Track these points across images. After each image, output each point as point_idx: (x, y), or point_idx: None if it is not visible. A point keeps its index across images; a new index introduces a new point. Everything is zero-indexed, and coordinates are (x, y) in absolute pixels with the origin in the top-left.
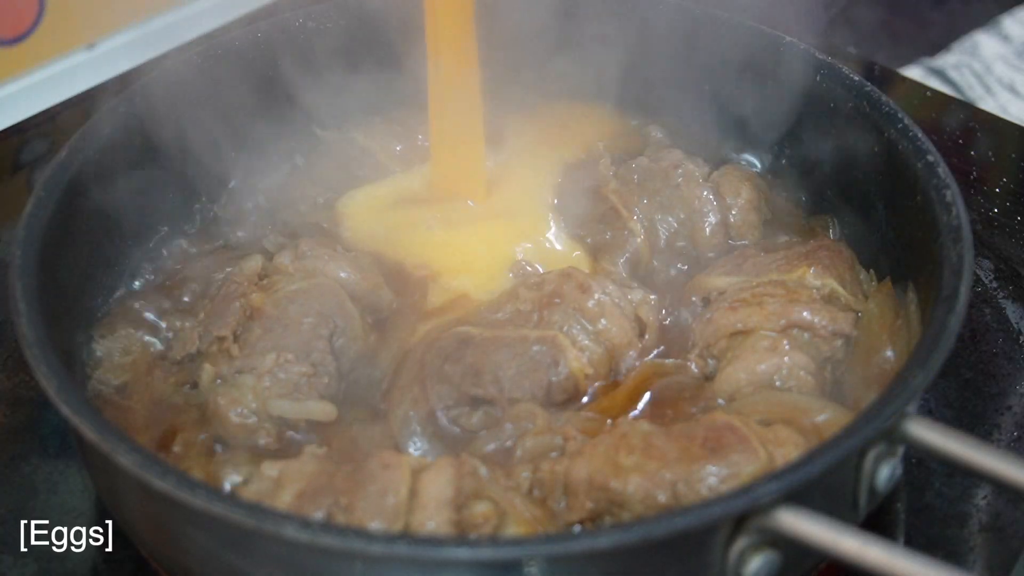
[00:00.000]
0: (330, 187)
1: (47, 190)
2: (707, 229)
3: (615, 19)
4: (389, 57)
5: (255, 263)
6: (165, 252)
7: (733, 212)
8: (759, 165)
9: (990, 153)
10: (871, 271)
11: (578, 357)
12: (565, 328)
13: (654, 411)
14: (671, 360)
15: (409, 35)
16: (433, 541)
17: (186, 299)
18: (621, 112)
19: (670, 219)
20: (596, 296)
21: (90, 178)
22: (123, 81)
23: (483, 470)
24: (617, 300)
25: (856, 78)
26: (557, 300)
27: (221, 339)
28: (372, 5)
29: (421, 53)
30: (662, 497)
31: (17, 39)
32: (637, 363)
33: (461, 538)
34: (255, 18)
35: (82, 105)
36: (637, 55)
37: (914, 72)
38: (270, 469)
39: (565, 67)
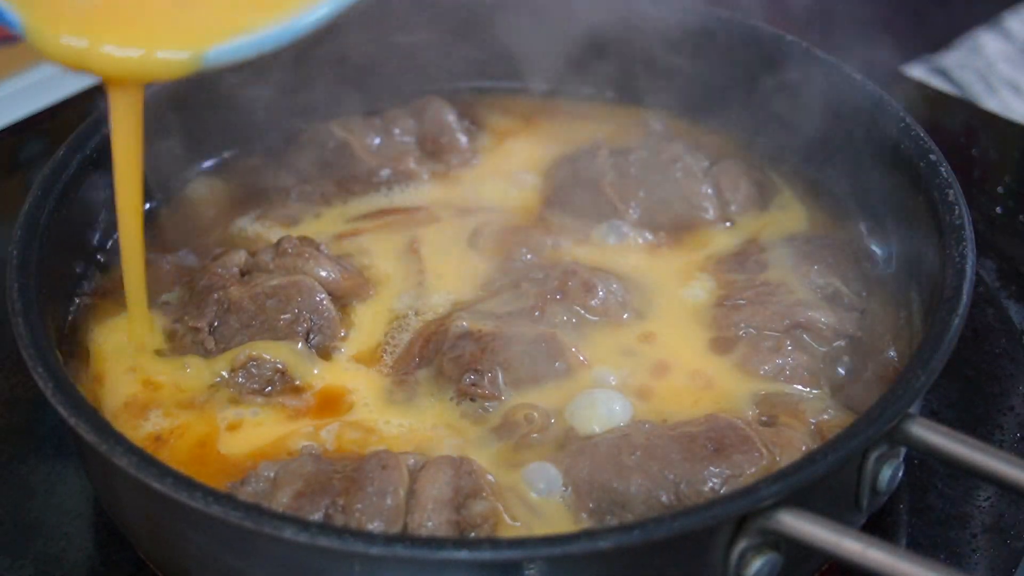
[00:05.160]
0: (304, 177)
1: (44, 189)
2: (706, 224)
3: (615, 12)
4: (374, 56)
5: (238, 257)
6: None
7: (732, 207)
8: (759, 162)
9: (993, 152)
10: (874, 270)
11: (577, 355)
12: (568, 325)
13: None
14: None
15: (393, 37)
16: (432, 542)
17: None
18: (621, 103)
19: (668, 213)
20: (600, 294)
21: (88, 177)
22: None
23: (482, 469)
24: (620, 299)
25: (858, 76)
26: (559, 296)
27: (196, 330)
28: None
29: (409, 52)
30: (664, 497)
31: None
32: None
33: (460, 539)
34: None
35: (80, 104)
36: (635, 50)
37: (916, 71)
38: (267, 470)
39: (562, 57)
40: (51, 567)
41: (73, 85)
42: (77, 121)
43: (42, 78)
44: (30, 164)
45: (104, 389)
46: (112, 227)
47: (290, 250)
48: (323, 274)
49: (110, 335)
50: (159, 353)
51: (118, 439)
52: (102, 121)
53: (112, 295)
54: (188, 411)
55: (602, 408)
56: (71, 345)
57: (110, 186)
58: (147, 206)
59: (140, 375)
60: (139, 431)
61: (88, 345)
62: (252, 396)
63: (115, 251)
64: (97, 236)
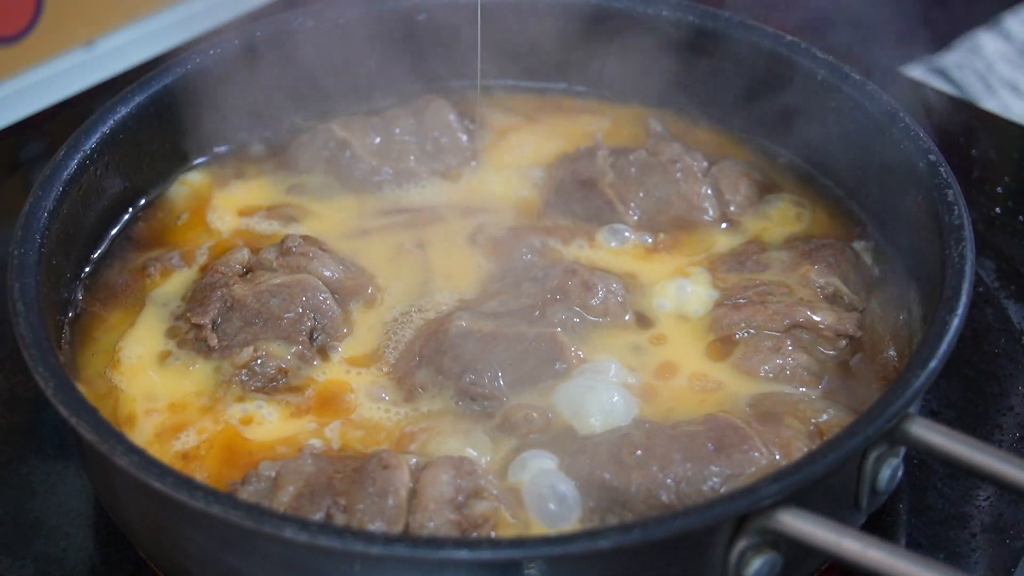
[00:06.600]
0: (303, 176)
1: (44, 189)
2: (705, 225)
3: (615, 12)
4: (375, 56)
5: (241, 255)
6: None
7: (732, 208)
8: (758, 163)
9: (992, 152)
10: (874, 270)
11: (576, 354)
12: (568, 324)
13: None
14: None
15: (393, 34)
16: (432, 542)
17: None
18: (620, 102)
19: (668, 214)
20: (600, 294)
21: (87, 177)
22: (122, 80)
23: (483, 469)
24: (620, 299)
25: (857, 77)
26: (559, 296)
27: (199, 327)
28: (364, 9)
29: (407, 52)
30: (665, 496)
31: (15, 37)
32: None
33: (460, 539)
34: (254, 17)
35: (80, 104)
36: (635, 49)
37: (916, 71)
38: (268, 469)
39: (560, 55)
40: (52, 567)
41: (73, 85)
42: (77, 121)
43: (42, 78)
44: (30, 164)
45: (135, 430)
46: (111, 224)
47: (294, 249)
48: (327, 273)
49: (133, 377)
50: (163, 357)
51: (119, 439)
52: (102, 121)
53: (113, 296)
54: (206, 416)
55: (602, 397)
56: (72, 344)
57: (110, 185)
58: (141, 202)
59: (162, 404)
60: (169, 452)
61: (112, 381)
62: (256, 393)
63: (116, 250)
64: (98, 235)
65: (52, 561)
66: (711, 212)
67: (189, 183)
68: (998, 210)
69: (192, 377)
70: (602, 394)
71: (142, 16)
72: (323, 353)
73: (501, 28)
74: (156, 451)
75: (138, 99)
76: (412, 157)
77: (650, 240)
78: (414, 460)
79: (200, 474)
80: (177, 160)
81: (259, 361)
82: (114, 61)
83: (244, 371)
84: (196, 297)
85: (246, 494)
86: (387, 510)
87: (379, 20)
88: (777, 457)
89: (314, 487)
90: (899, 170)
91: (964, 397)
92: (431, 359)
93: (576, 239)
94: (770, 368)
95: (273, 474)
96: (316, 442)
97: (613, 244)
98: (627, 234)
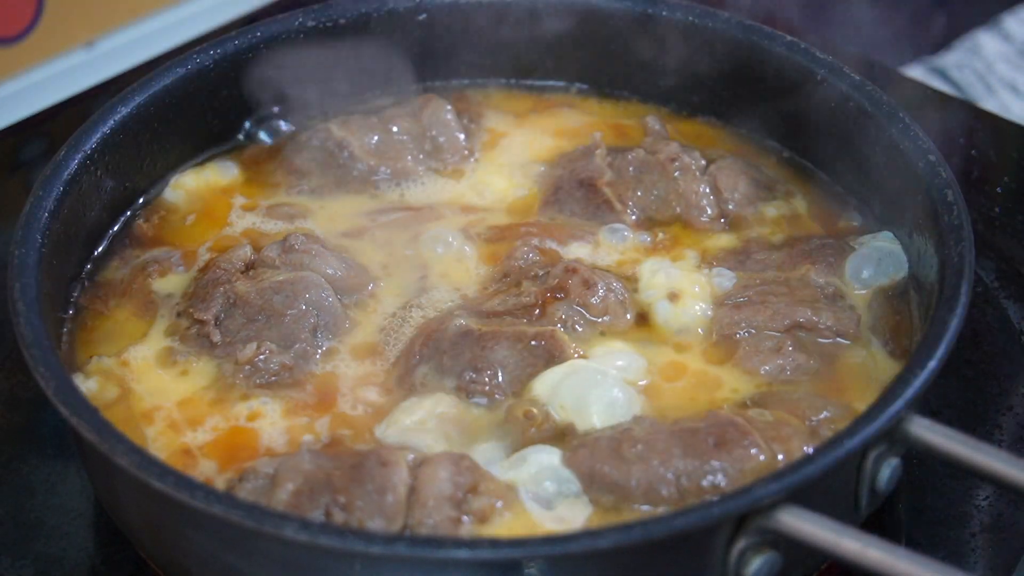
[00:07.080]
0: (304, 176)
1: (44, 189)
2: (704, 224)
3: (616, 11)
4: (375, 55)
5: (243, 252)
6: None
7: (731, 207)
8: (757, 161)
9: (991, 153)
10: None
11: (576, 352)
12: (569, 323)
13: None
14: None
15: (393, 34)
16: (432, 542)
17: None
18: (619, 101)
19: (666, 212)
20: (600, 292)
21: (88, 178)
22: (122, 80)
23: (482, 465)
24: (621, 297)
25: (857, 77)
26: (560, 295)
27: (202, 323)
28: (364, 9)
29: (406, 52)
30: (664, 491)
31: (15, 38)
32: None
33: (460, 539)
34: (255, 17)
35: (81, 104)
36: (635, 48)
37: (915, 71)
38: (266, 466)
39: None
40: (52, 567)
41: (73, 85)
42: (77, 121)
43: (42, 78)
44: (30, 164)
45: (136, 428)
46: (111, 223)
47: (297, 246)
48: (329, 271)
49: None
50: (165, 354)
51: (119, 439)
52: (102, 121)
53: (114, 295)
54: (210, 413)
55: (603, 394)
56: (73, 343)
57: (110, 185)
58: (141, 200)
59: (165, 402)
60: (173, 449)
61: (126, 381)
62: (260, 390)
63: (116, 249)
64: (98, 235)
65: (52, 561)
66: (709, 211)
67: (189, 182)
68: (998, 210)
69: (195, 374)
70: (603, 391)
71: (142, 16)
72: (325, 350)
73: (500, 27)
74: (159, 449)
75: (138, 99)
76: (410, 156)
77: (649, 239)
78: (412, 456)
79: (205, 472)
80: (177, 159)
81: (262, 358)
82: (114, 61)
83: (247, 367)
84: (198, 293)
85: (244, 491)
86: (386, 507)
87: (379, 20)
88: (777, 456)
89: (313, 484)
90: (899, 170)
91: (964, 397)
92: (431, 357)
93: (575, 238)
94: (771, 368)
95: (271, 471)
96: (316, 438)
97: (611, 240)
98: (626, 233)
